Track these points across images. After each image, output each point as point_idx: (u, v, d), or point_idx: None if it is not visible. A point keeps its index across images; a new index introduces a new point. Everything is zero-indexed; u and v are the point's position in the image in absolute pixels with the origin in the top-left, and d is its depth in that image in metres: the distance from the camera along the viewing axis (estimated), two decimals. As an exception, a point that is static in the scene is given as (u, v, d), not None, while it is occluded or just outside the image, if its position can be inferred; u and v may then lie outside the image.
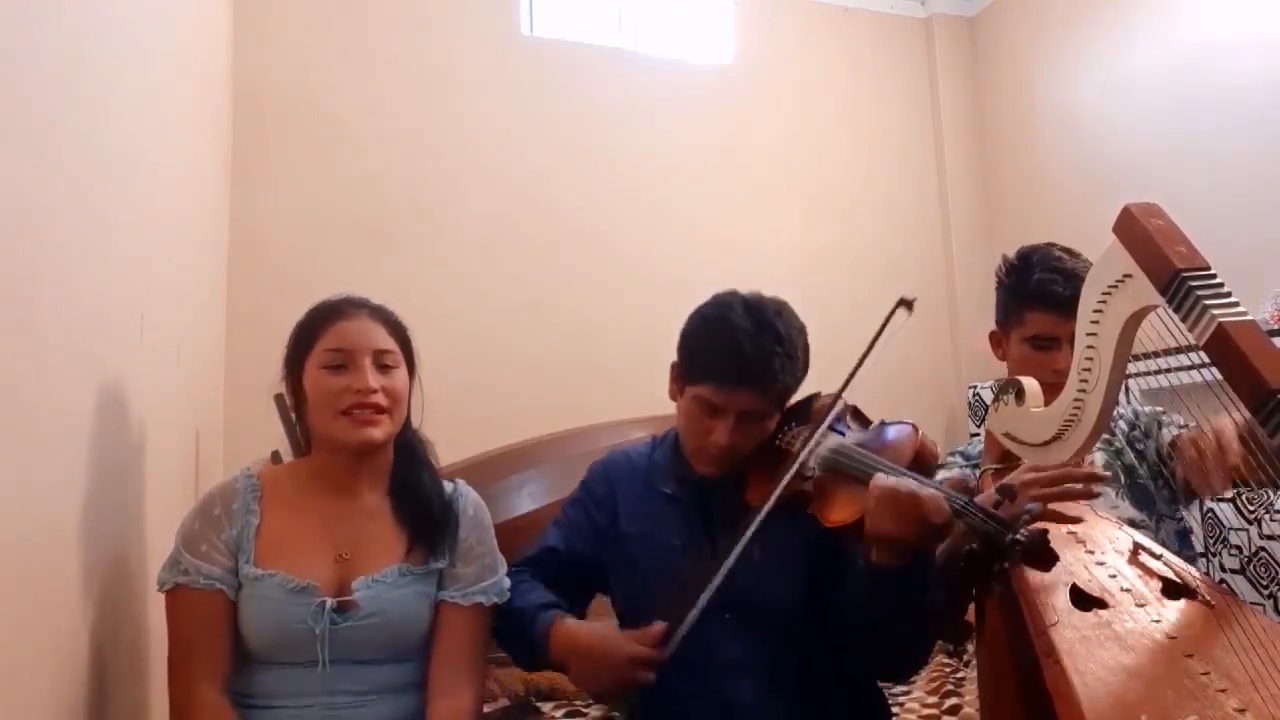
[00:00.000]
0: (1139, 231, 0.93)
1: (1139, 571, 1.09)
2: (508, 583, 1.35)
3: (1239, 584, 2.72)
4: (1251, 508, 2.73)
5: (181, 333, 2.07)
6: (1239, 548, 2.76)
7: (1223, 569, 2.77)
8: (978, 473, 1.45)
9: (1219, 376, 0.83)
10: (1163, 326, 0.93)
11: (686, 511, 1.38)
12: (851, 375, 1.26)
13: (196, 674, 1.17)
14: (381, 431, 1.25)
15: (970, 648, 2.23)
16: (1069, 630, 0.96)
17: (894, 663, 1.34)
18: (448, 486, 1.36)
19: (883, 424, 1.34)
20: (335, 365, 1.24)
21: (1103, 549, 1.15)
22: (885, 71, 4.46)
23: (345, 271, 3.33)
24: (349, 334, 1.26)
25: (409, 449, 1.34)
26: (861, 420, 1.41)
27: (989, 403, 1.34)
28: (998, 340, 1.56)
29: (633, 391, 3.39)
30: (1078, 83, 3.93)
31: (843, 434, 1.33)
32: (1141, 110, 3.59)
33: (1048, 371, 1.33)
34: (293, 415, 1.34)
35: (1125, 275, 0.96)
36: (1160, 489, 1.47)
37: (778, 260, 3.93)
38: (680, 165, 4.00)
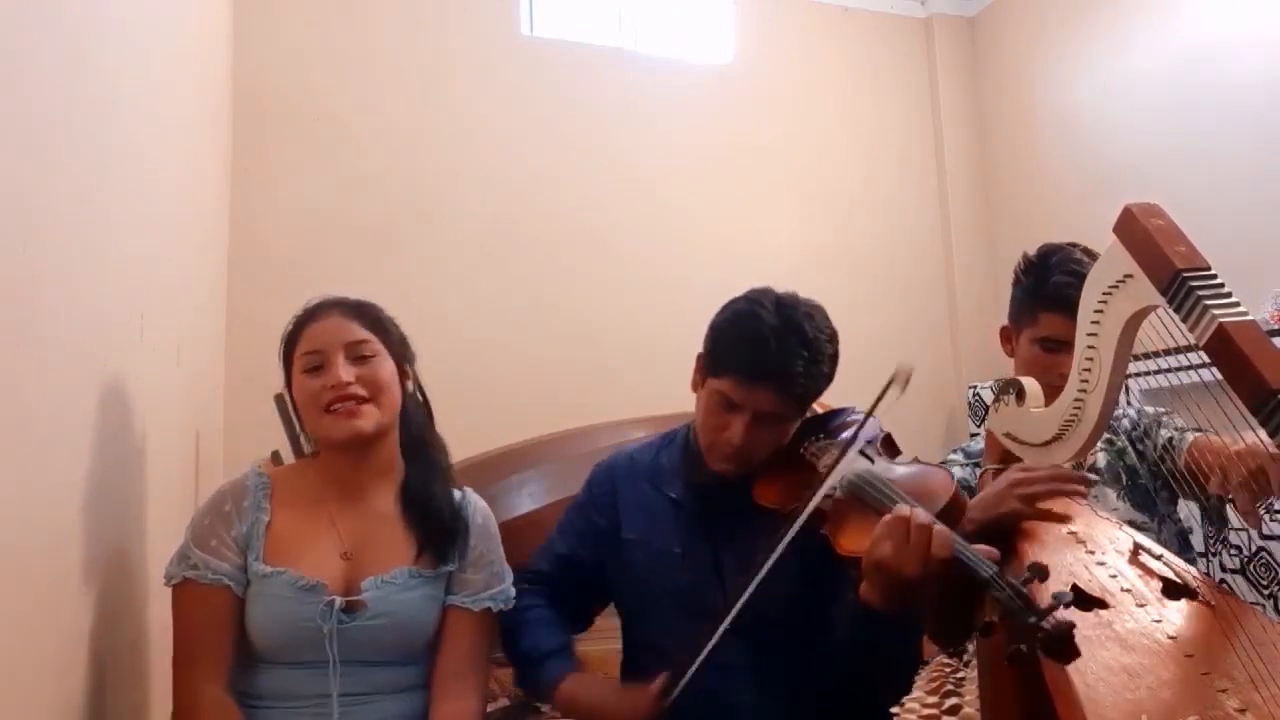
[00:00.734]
0: (1139, 231, 0.93)
1: (1139, 572, 1.09)
2: (514, 591, 1.35)
3: (1239, 584, 2.72)
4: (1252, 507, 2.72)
5: (181, 333, 2.07)
6: (1239, 548, 2.75)
7: (1223, 569, 2.77)
8: (978, 471, 1.45)
9: (1219, 376, 0.83)
10: (1163, 326, 0.93)
11: (689, 518, 1.37)
12: (848, 447, 1.23)
13: (201, 670, 1.17)
14: (368, 421, 1.24)
15: (970, 648, 2.23)
16: (1069, 630, 0.96)
17: (872, 693, 1.33)
18: (455, 494, 1.36)
19: (918, 462, 1.29)
20: (313, 368, 1.26)
21: (1103, 549, 1.14)
22: (885, 71, 4.46)
23: (345, 271, 3.33)
24: (319, 334, 1.27)
25: (422, 453, 1.34)
26: (891, 449, 1.38)
27: (989, 403, 1.34)
28: (1008, 336, 1.56)
29: (633, 391, 3.39)
30: (1078, 83, 3.93)
31: (871, 460, 1.29)
32: (1141, 110, 3.59)
33: (1054, 374, 1.32)
34: (296, 420, 1.34)
35: (1126, 275, 0.96)
36: (1160, 489, 1.47)
37: (777, 260, 3.92)
38: (680, 165, 4.00)
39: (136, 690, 1.45)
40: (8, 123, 0.90)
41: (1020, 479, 1.20)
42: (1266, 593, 2.68)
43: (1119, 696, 0.84)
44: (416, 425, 1.35)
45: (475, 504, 1.36)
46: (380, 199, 3.55)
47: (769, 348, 1.25)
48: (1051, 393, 1.16)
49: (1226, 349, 0.82)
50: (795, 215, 4.16)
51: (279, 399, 2.46)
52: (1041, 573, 0.93)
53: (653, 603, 1.35)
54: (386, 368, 1.29)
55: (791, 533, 1.17)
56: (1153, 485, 1.47)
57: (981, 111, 4.51)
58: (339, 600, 1.19)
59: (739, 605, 1.17)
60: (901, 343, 4.12)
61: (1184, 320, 0.87)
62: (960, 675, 2.76)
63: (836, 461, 1.22)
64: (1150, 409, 1.55)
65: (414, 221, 3.59)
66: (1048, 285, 1.43)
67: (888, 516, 1.06)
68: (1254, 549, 2.72)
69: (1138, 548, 1.13)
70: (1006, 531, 1.20)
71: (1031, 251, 1.52)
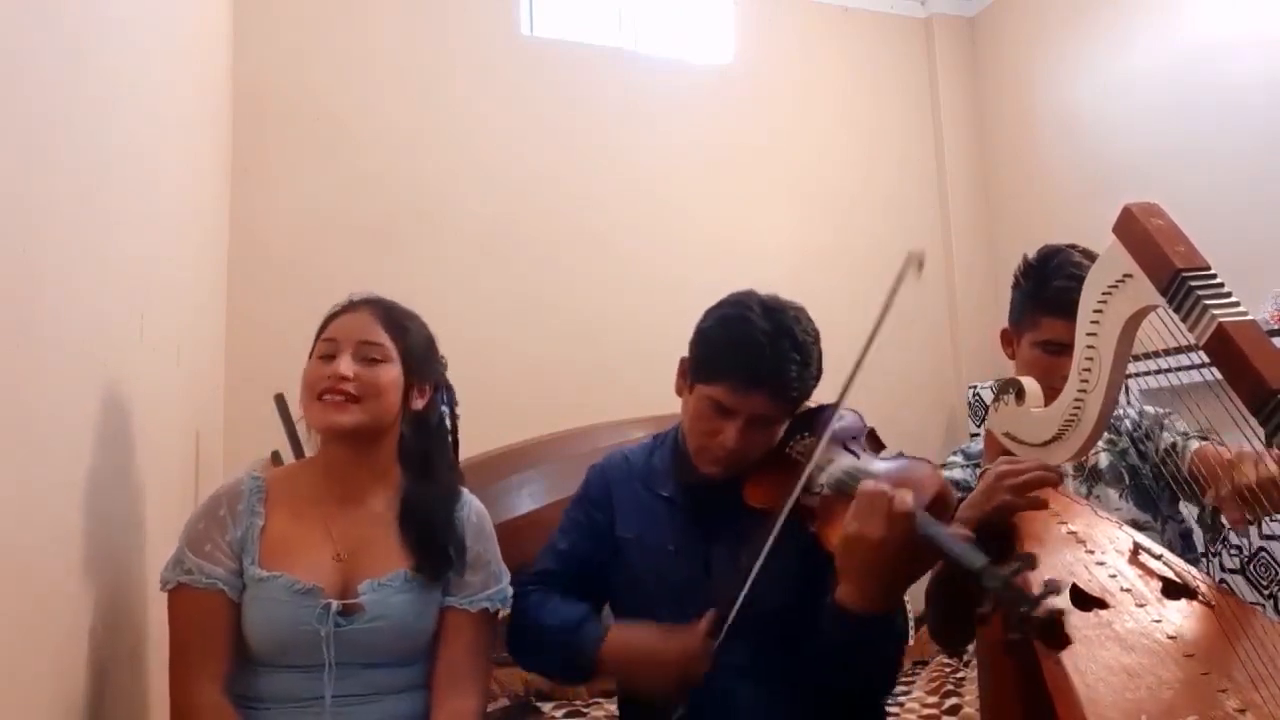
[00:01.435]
0: (1139, 231, 0.93)
1: (1139, 571, 1.09)
2: (511, 591, 1.34)
3: (1239, 584, 2.72)
4: (1252, 518, 2.72)
5: (181, 333, 2.07)
6: (1239, 548, 2.76)
7: (1223, 569, 2.77)
8: (978, 472, 1.45)
9: (1219, 376, 0.83)
10: (1163, 326, 0.93)
11: (682, 516, 1.37)
12: (865, 350, 1.22)
13: (198, 674, 1.17)
14: (348, 419, 1.24)
15: (970, 648, 2.23)
16: (1069, 630, 0.96)
17: (857, 686, 1.33)
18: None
19: (902, 456, 1.30)
20: (326, 355, 1.26)
21: (1103, 549, 1.14)
22: (885, 71, 4.46)
23: (345, 271, 3.33)
24: (342, 326, 1.29)
25: (423, 472, 1.33)
26: (875, 444, 1.38)
27: (989, 403, 1.34)
28: (1009, 339, 1.55)
29: (633, 391, 3.39)
30: (1078, 83, 3.93)
31: (857, 455, 1.31)
32: (1142, 110, 3.59)
33: (1056, 377, 1.32)
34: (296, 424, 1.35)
35: (1125, 275, 0.96)
36: (1162, 490, 1.47)
37: (777, 260, 3.93)
38: (680, 165, 4.00)
39: (136, 691, 1.45)
40: (8, 123, 0.90)
41: (1006, 470, 1.20)
42: (1266, 593, 2.68)
43: (1119, 696, 0.84)
44: (423, 442, 1.34)
45: (470, 504, 1.36)
46: (380, 199, 3.55)
47: (764, 353, 1.25)
48: (1052, 395, 1.16)
49: (1226, 349, 0.82)
50: (795, 215, 4.16)
51: (279, 399, 2.47)
52: (1029, 561, 0.95)
53: (647, 600, 1.35)
54: (389, 374, 1.28)
55: (775, 530, 1.18)
56: (1155, 486, 1.47)
57: (981, 111, 4.51)
58: (335, 604, 1.19)
59: (761, 556, 1.17)
60: (902, 343, 4.12)
61: (1184, 320, 0.87)
62: (960, 675, 2.76)
63: (815, 451, 1.23)
64: (1151, 409, 1.55)
65: (414, 221, 3.59)
66: (1048, 289, 1.43)
67: (862, 496, 1.08)
68: (1254, 549, 2.73)
69: (1137, 547, 1.13)
70: (1003, 528, 1.20)
71: (1031, 254, 1.51)
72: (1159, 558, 1.11)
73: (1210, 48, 3.32)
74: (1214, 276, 0.87)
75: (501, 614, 1.35)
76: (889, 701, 2.62)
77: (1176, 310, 0.88)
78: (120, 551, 1.39)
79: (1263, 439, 0.81)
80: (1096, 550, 1.14)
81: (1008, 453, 1.26)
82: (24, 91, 0.95)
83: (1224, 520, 1.09)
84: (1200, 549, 1.61)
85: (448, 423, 1.41)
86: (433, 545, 1.28)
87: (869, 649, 1.17)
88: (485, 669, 1.32)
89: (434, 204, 3.62)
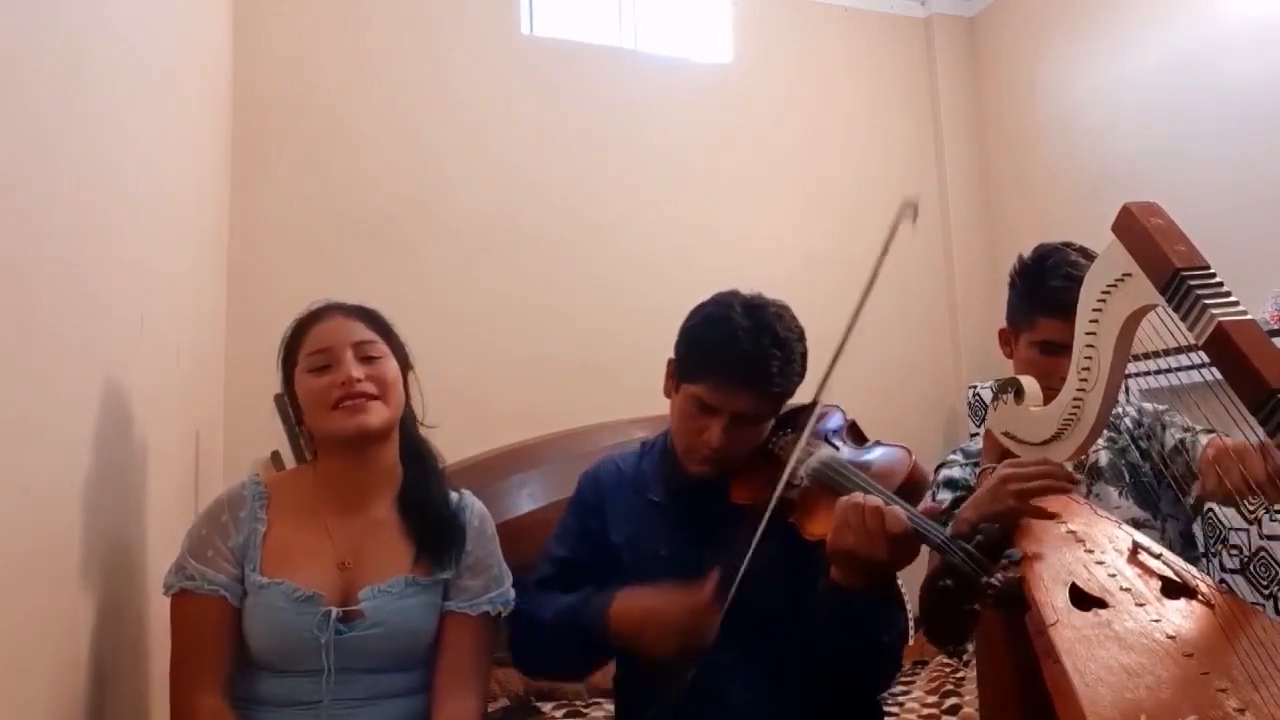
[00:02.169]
0: (1139, 230, 0.93)
1: (1138, 571, 1.09)
2: (513, 593, 1.35)
3: (1239, 584, 2.72)
4: (1251, 508, 2.73)
5: (181, 333, 2.07)
6: (1239, 548, 2.75)
7: (1223, 569, 2.77)
8: (978, 471, 1.45)
9: (1219, 376, 0.83)
10: (1162, 326, 0.93)
11: (672, 520, 1.38)
12: (861, 302, 1.24)
13: (198, 680, 1.18)
14: (376, 418, 1.25)
15: (970, 648, 2.23)
16: (1068, 630, 0.96)
17: (856, 681, 1.34)
18: (452, 497, 1.35)
19: (878, 444, 1.33)
20: (320, 367, 1.26)
21: (1102, 548, 1.14)
22: (885, 71, 4.46)
23: (345, 271, 3.34)
24: (326, 334, 1.28)
25: (418, 459, 1.34)
26: (858, 437, 1.40)
27: (989, 403, 1.34)
28: (1006, 339, 1.55)
29: (633, 391, 3.38)
30: (1077, 82, 3.93)
31: (837, 448, 1.32)
32: (1141, 110, 3.59)
33: (1055, 378, 1.32)
34: (296, 423, 1.34)
35: (1125, 274, 0.96)
36: (1164, 489, 1.47)
37: (777, 259, 3.93)
38: (680, 165, 4.00)
39: (137, 692, 1.45)
40: (8, 123, 0.90)
41: (1012, 474, 1.20)
42: (1266, 593, 2.68)
43: (1118, 696, 0.84)
44: (413, 430, 1.35)
45: (473, 506, 1.36)
46: (380, 199, 3.55)
47: (744, 351, 1.27)
48: (1051, 395, 1.16)
49: (1226, 348, 0.82)
50: (795, 214, 4.16)
51: (279, 399, 2.46)
52: (992, 533, 1.02)
53: None
54: (392, 367, 1.29)
55: (761, 528, 1.19)
56: (1155, 484, 1.47)
57: (981, 111, 4.51)
58: (336, 611, 1.19)
59: (757, 534, 1.18)
60: (902, 342, 4.12)
61: (1183, 319, 0.87)
62: (960, 675, 2.76)
63: (795, 444, 1.25)
64: (1150, 406, 1.55)
65: (414, 221, 3.59)
66: (1044, 289, 1.43)
67: (842, 502, 1.11)
68: (1254, 549, 2.72)
69: (1137, 546, 1.13)
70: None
71: (1027, 253, 1.51)
72: (1158, 557, 1.11)
73: (1210, 48, 3.32)
74: (1213, 276, 0.88)
75: (503, 615, 1.35)
76: (888, 701, 2.62)
77: (1176, 309, 0.88)
78: (120, 551, 1.39)
79: (1262, 439, 0.81)
80: (1096, 549, 1.14)
81: (1007, 452, 1.26)
82: (24, 91, 0.95)
83: (1216, 514, 1.10)
84: (1200, 548, 1.61)
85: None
86: (431, 526, 1.28)
87: (865, 630, 1.18)
88: (485, 672, 1.32)
89: (434, 204, 3.62)
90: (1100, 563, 1.10)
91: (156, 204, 1.74)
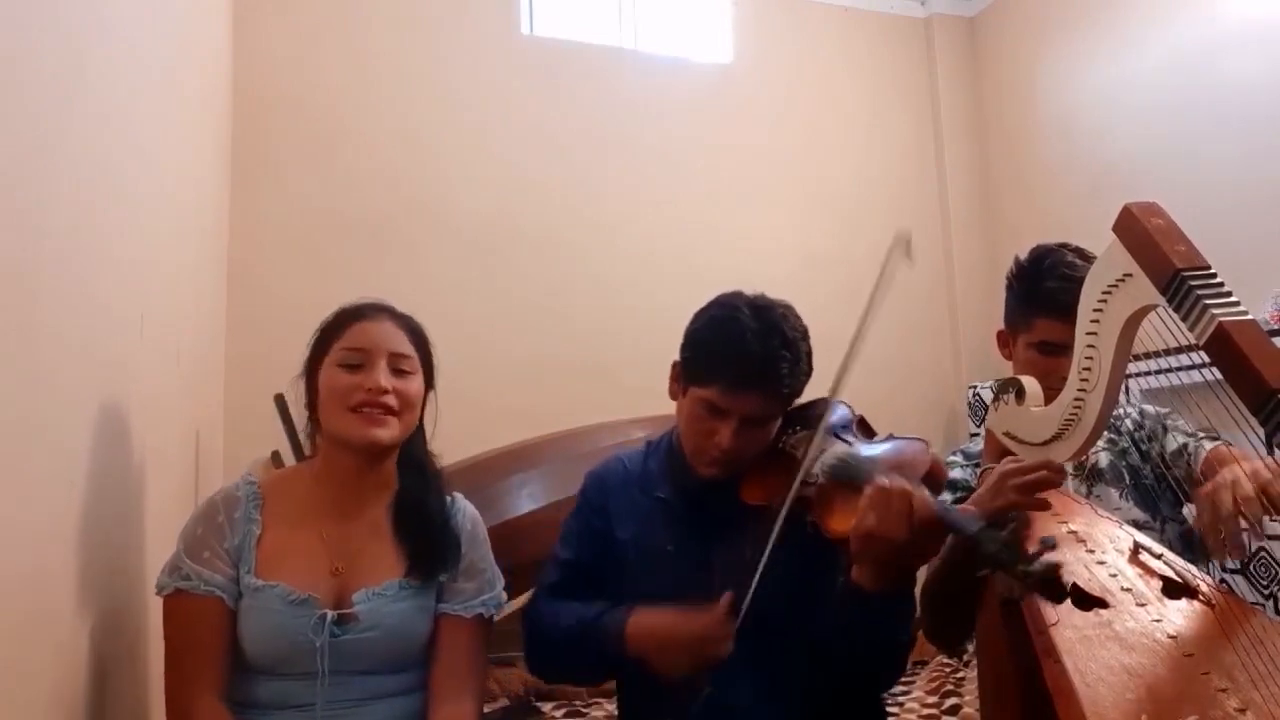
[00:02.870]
0: (1139, 231, 0.93)
1: (1139, 571, 1.09)
2: (505, 596, 1.35)
3: (1239, 584, 2.72)
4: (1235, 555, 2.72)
5: (181, 333, 2.07)
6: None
7: (1223, 569, 2.76)
8: (978, 471, 1.45)
9: (1219, 376, 0.83)
10: (1163, 326, 0.93)
11: (679, 517, 1.38)
12: (857, 335, 1.23)
13: (195, 681, 1.17)
14: (388, 433, 1.25)
15: (970, 648, 2.23)
16: (1069, 630, 0.96)
17: (862, 679, 1.33)
18: (445, 500, 1.35)
19: (892, 437, 1.33)
20: (351, 364, 1.25)
21: (1103, 548, 1.14)
22: (885, 71, 4.46)
23: (345, 271, 3.34)
24: (369, 334, 1.27)
25: (418, 466, 1.33)
26: (866, 431, 1.39)
27: (989, 403, 1.34)
28: (1005, 340, 1.55)
29: (633, 391, 3.38)
30: (1077, 83, 3.93)
31: (849, 443, 1.32)
32: (1141, 110, 3.60)
33: (1054, 377, 1.32)
34: (305, 413, 1.34)
35: (1125, 275, 0.96)
36: (1164, 491, 1.47)
37: (777, 259, 3.93)
38: (680, 165, 4.01)
39: (136, 693, 1.45)
40: (8, 123, 0.90)
41: (1012, 469, 1.20)
42: (1266, 593, 2.68)
43: (1119, 696, 0.84)
44: (418, 443, 1.35)
45: (465, 511, 1.36)
46: (380, 199, 3.56)
47: (753, 353, 1.26)
48: (1050, 395, 1.16)
49: (1226, 348, 0.82)
50: (795, 214, 4.16)
51: (279, 399, 2.46)
52: (1022, 522, 0.99)
53: (647, 604, 1.35)
54: (417, 386, 1.29)
55: (777, 528, 1.18)
56: (1156, 486, 1.47)
57: (981, 111, 4.51)
58: (330, 614, 1.19)
59: (771, 541, 1.17)
60: (902, 342, 4.12)
61: (1184, 320, 0.87)
62: (960, 675, 2.76)
63: (810, 443, 1.24)
64: (1152, 409, 1.55)
65: (414, 221, 3.59)
66: (1041, 290, 1.43)
67: (868, 489, 1.09)
68: (1254, 549, 2.72)
69: (1138, 547, 1.13)
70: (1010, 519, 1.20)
71: (1023, 255, 1.51)
72: (1159, 557, 1.11)
73: (1209, 48, 3.32)
74: (1214, 276, 0.87)
75: (496, 619, 1.35)
76: (888, 702, 2.62)
77: (1176, 310, 0.88)
78: (120, 552, 1.39)
79: (1263, 439, 0.81)
80: (1097, 550, 1.14)
81: (1008, 452, 1.26)
82: (24, 91, 0.95)
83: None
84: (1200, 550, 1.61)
85: None
86: (427, 540, 1.28)
87: (881, 628, 1.18)
88: (481, 674, 1.32)
89: (434, 203, 3.62)
90: (1101, 563, 1.10)
91: (156, 204, 1.74)
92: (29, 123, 0.96)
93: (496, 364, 3.56)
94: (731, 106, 4.14)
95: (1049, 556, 0.92)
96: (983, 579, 1.05)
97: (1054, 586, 0.90)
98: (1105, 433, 1.41)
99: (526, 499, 2.73)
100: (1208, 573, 1.17)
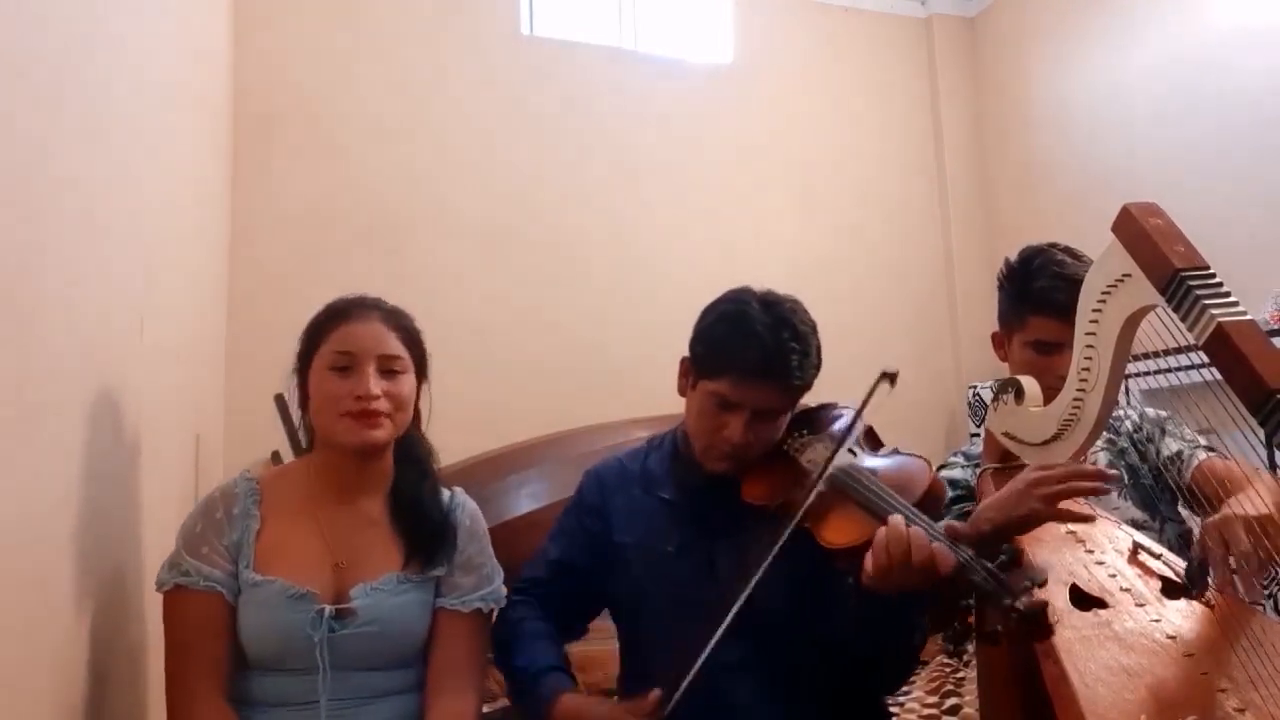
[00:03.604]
0: (1138, 231, 0.93)
1: (1138, 571, 1.09)
2: (504, 590, 1.35)
3: (1238, 584, 2.71)
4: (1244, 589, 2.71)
5: (181, 333, 2.07)
6: (1239, 547, 2.75)
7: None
8: (977, 472, 1.45)
9: (1218, 376, 0.83)
10: (1162, 326, 0.93)
11: (681, 517, 1.37)
12: (840, 444, 1.24)
13: (196, 677, 1.17)
14: (383, 434, 1.25)
15: (970, 648, 2.22)
16: (1068, 630, 0.96)
17: (875, 679, 1.34)
18: (444, 495, 1.35)
19: (897, 453, 1.32)
20: (340, 367, 1.24)
21: (1102, 549, 1.14)
22: (885, 71, 4.46)
23: (345, 271, 3.34)
24: (357, 337, 1.26)
25: (412, 456, 1.33)
26: (873, 441, 1.39)
27: (989, 403, 1.34)
28: (1000, 341, 1.56)
29: (633, 391, 3.39)
30: (1077, 83, 3.93)
31: (854, 454, 1.32)
32: (1141, 110, 3.60)
33: (1050, 376, 1.32)
34: (299, 411, 1.33)
35: (1124, 275, 0.96)
36: (1163, 492, 1.47)
37: (777, 259, 3.93)
38: (680, 165, 4.01)
39: (135, 694, 1.45)
40: (8, 123, 0.90)
41: (1039, 478, 1.17)
42: (1266, 593, 2.68)
43: (1118, 696, 0.85)
44: (413, 433, 1.35)
45: (464, 505, 1.36)
46: (380, 199, 3.56)
47: (765, 345, 1.27)
48: (1048, 394, 1.15)
49: (1225, 349, 0.82)
50: (795, 214, 4.16)
51: (279, 399, 2.46)
52: (1013, 555, 0.98)
53: (649, 604, 1.35)
54: (409, 385, 1.29)
55: (784, 536, 1.18)
56: (1155, 486, 1.47)
57: (981, 111, 4.51)
58: (329, 609, 1.19)
59: (734, 610, 1.17)
60: (902, 342, 4.12)
61: (1183, 320, 0.87)
62: (960, 675, 2.76)
63: (827, 462, 1.23)
64: (1152, 412, 1.55)
65: (413, 221, 3.59)
66: (1032, 289, 1.43)
67: (893, 535, 1.07)
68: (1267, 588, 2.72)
69: (1137, 547, 1.13)
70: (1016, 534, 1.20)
71: (1013, 256, 1.52)
72: (1158, 557, 1.11)
73: (1209, 48, 3.32)
74: (1213, 276, 0.87)
75: (496, 613, 1.35)
76: (889, 702, 2.62)
77: (1175, 310, 0.88)
78: (120, 552, 1.39)
79: (1262, 439, 0.81)
80: (1096, 550, 1.14)
81: (1007, 453, 1.25)
82: (24, 92, 0.95)
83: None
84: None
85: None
86: (424, 530, 1.28)
87: (897, 630, 1.18)
88: (480, 669, 1.32)
89: (433, 204, 3.63)
90: (1100, 563, 1.10)
91: (157, 204, 1.74)
92: (29, 123, 0.97)
93: (495, 364, 3.56)
94: (731, 106, 4.14)
95: (1035, 595, 0.92)
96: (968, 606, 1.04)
97: (1037, 627, 0.90)
98: (1104, 433, 1.41)
99: (526, 499, 2.73)
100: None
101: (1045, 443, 1.15)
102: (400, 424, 1.28)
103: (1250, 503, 1.08)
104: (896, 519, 1.08)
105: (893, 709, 2.59)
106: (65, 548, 1.11)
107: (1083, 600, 1.02)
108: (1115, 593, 1.03)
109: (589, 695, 1.32)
